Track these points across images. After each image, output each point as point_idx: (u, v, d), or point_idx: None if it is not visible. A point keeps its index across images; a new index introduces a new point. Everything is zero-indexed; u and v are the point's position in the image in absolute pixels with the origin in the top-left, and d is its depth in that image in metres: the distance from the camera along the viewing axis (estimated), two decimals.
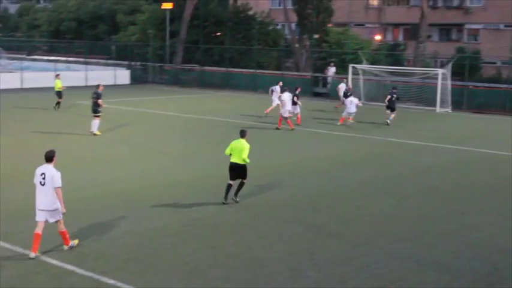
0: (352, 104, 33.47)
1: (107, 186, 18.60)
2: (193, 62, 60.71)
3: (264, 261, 12.54)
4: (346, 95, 36.23)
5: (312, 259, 12.76)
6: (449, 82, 42.84)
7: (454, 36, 68.39)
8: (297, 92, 32.92)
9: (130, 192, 17.78)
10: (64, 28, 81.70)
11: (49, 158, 12.72)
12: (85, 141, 26.50)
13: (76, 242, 13.17)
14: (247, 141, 16.55)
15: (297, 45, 58.94)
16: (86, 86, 40.11)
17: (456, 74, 47.96)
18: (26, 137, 26.89)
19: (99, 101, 27.89)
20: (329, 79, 50.97)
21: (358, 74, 45.51)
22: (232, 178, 16.62)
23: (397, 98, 35.29)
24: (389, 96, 34.54)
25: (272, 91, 36.55)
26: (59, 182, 12.53)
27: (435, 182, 20.49)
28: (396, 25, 70.29)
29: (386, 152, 26.04)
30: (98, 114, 27.73)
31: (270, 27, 64.72)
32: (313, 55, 56.48)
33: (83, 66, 58.09)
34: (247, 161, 16.40)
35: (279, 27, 68.45)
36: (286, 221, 15.48)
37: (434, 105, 41.85)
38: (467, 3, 62.52)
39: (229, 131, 30.94)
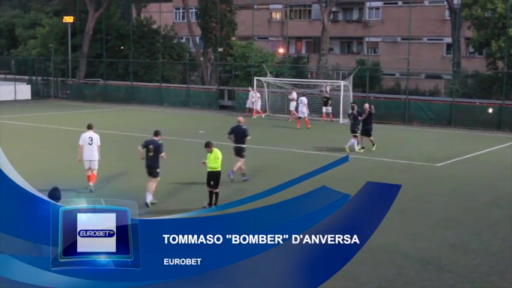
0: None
1: None
2: (96, 76, 59.82)
3: None
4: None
5: None
6: (351, 94, 44.00)
7: (354, 49, 70.38)
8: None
9: None
10: None
11: (91, 126, 20.53)
12: None
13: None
14: None
15: (201, 59, 59.14)
16: None
17: (357, 85, 49.37)
18: None
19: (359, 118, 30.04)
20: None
21: (263, 87, 46.10)
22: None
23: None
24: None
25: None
26: (99, 141, 20.33)
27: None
28: (299, 38, 71.65)
29: (292, 162, 26.42)
30: (355, 134, 29.66)
31: (174, 41, 64.66)
32: (218, 68, 56.83)
33: None
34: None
35: (183, 40, 68.46)
36: None
37: (337, 116, 42.86)
38: (366, 17, 64.48)
39: (135, 145, 30.63)
